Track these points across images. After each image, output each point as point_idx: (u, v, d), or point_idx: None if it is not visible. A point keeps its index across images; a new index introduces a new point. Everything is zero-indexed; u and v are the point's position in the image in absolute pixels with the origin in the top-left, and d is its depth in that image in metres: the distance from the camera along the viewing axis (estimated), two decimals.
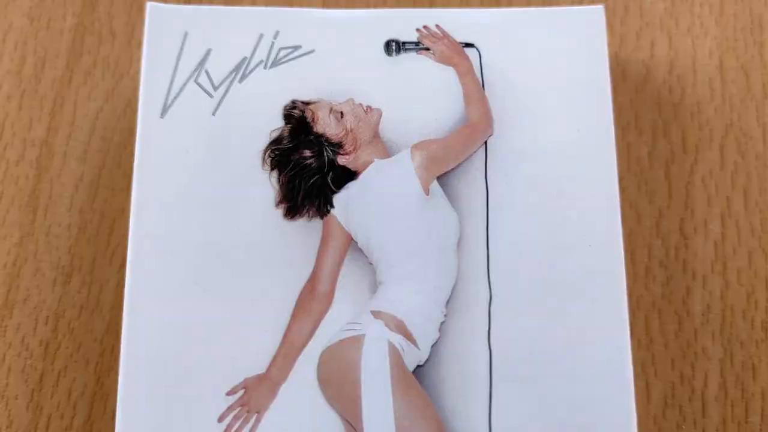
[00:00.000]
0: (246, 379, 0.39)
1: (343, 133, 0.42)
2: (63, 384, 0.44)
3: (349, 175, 0.42)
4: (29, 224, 0.46)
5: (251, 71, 0.43)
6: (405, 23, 0.44)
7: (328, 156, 0.42)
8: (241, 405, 0.39)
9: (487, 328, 0.40)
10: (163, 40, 0.44)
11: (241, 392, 0.39)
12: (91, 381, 0.44)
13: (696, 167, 0.48)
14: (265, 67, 0.44)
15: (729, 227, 0.47)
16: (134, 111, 0.47)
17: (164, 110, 0.43)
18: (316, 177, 0.42)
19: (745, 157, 0.48)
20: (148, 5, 0.45)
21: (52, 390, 0.44)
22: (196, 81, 0.43)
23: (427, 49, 0.44)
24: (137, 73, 0.48)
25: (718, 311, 0.45)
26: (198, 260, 0.41)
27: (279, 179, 0.42)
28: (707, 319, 0.45)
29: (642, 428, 0.43)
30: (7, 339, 0.45)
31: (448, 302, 0.40)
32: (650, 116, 0.48)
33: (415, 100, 0.43)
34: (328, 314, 0.40)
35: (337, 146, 0.42)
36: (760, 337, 0.45)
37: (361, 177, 0.42)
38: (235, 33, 0.44)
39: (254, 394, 0.39)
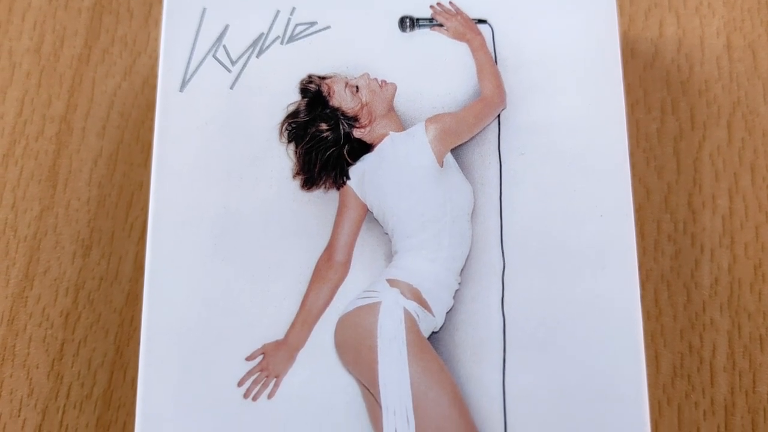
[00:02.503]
0: (265, 345, 0.40)
1: (358, 106, 0.43)
2: (83, 353, 0.45)
3: (364, 148, 0.43)
4: (49, 198, 0.47)
5: (268, 46, 0.44)
6: (419, 0, 0.45)
7: (344, 129, 0.43)
8: (260, 370, 0.40)
9: (500, 296, 0.41)
10: (182, 16, 0.44)
11: (260, 357, 0.40)
12: (110, 350, 0.45)
13: (704, 143, 0.49)
14: (281, 43, 0.44)
15: (736, 202, 0.48)
16: (151, 88, 0.48)
17: (183, 84, 0.43)
18: (332, 149, 0.43)
19: (753, 134, 0.49)
20: None
21: (72, 359, 0.45)
22: (214, 56, 0.44)
23: (441, 25, 0.45)
24: (154, 51, 0.49)
25: (725, 284, 0.46)
26: (217, 230, 0.41)
27: (296, 151, 0.43)
28: (715, 292, 0.46)
29: (652, 397, 0.44)
30: (27, 310, 0.46)
31: (462, 271, 0.41)
32: (659, 94, 0.49)
33: (429, 75, 0.44)
34: (344, 282, 0.41)
35: (353, 119, 0.43)
36: (767, 309, 0.46)
37: (376, 149, 0.43)
38: (253, 9, 0.45)
39: (273, 360, 0.40)
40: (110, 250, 0.46)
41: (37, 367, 0.45)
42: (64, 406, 0.44)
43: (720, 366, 0.45)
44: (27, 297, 0.46)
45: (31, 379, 0.45)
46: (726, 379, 0.45)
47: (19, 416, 0.44)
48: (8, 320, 0.45)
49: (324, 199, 0.42)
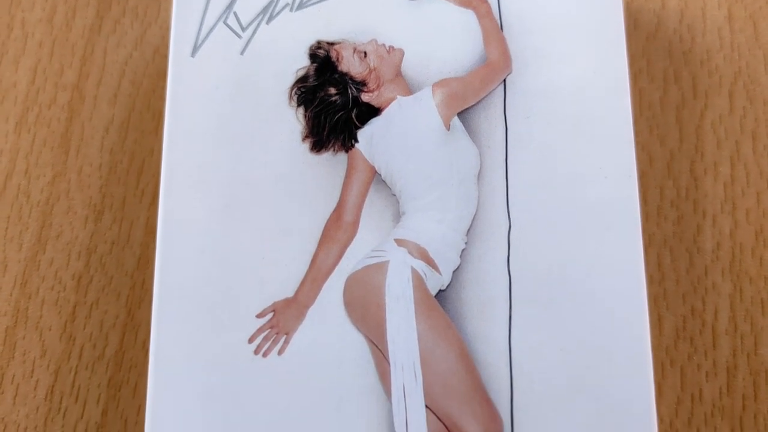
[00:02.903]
0: (275, 303, 0.41)
1: (366, 71, 0.44)
2: (95, 315, 0.46)
3: (372, 111, 0.43)
4: (61, 164, 0.48)
5: (278, 13, 0.45)
6: None
7: (352, 93, 0.43)
8: (271, 327, 0.41)
9: (506, 255, 0.41)
10: None
11: (270, 315, 0.41)
12: (122, 313, 0.46)
13: (706, 112, 0.49)
14: (291, 10, 0.45)
15: (738, 169, 0.48)
16: (162, 57, 0.49)
17: (194, 50, 0.44)
18: (340, 113, 0.43)
19: (754, 103, 0.49)
20: None
21: (84, 321, 0.46)
22: (225, 22, 0.45)
23: None
24: (165, 22, 0.50)
25: (727, 249, 0.47)
26: (228, 191, 0.42)
27: (305, 115, 0.43)
28: (717, 257, 0.47)
29: (655, 359, 0.45)
30: (40, 273, 0.46)
31: (468, 231, 0.42)
32: (661, 64, 0.50)
33: (436, 41, 0.44)
34: (353, 242, 0.42)
35: (361, 84, 0.43)
36: None
37: (384, 113, 0.43)
38: None
39: (283, 317, 0.41)
40: (122, 215, 0.47)
41: (50, 329, 0.45)
42: (77, 367, 0.45)
43: (722, 329, 0.46)
44: (40, 261, 0.46)
45: (43, 340, 0.45)
46: (728, 341, 0.46)
47: (32, 377, 0.45)
48: (21, 283, 0.46)
49: (333, 162, 0.43)
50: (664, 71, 0.49)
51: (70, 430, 0.44)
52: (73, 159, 0.48)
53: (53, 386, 0.45)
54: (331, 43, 0.44)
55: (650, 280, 0.46)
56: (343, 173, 0.43)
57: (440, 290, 0.41)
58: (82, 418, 0.44)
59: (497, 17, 0.45)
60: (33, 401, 0.44)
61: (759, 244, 0.47)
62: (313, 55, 0.44)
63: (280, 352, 0.40)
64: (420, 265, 0.41)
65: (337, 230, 0.42)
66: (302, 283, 0.41)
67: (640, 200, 0.48)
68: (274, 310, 0.41)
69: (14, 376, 0.45)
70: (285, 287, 0.41)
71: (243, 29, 0.45)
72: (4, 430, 0.44)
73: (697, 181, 0.48)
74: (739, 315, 0.46)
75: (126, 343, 0.45)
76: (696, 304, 0.46)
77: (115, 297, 0.46)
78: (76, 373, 0.45)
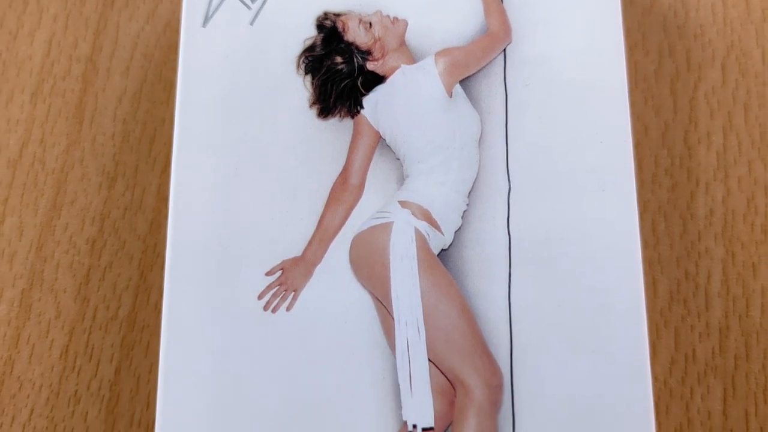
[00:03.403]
0: (284, 261, 0.42)
1: (371, 41, 0.45)
2: (108, 278, 0.47)
3: (377, 79, 0.45)
4: (76, 134, 0.50)
5: None
6: None
7: (357, 62, 0.45)
8: (279, 284, 0.42)
9: (506, 216, 0.43)
10: None
11: (279, 273, 0.42)
12: (135, 275, 0.47)
13: (699, 84, 0.51)
14: None
15: (730, 139, 0.50)
16: (173, 31, 0.50)
17: (206, 20, 0.46)
18: (346, 81, 0.45)
19: (745, 76, 0.51)
20: None
21: (98, 284, 0.47)
22: None
23: None
24: None
25: (720, 215, 0.49)
26: (238, 157, 0.44)
27: (312, 83, 0.45)
28: (710, 222, 0.48)
29: (649, 320, 0.46)
30: (56, 238, 0.48)
31: (470, 193, 0.43)
32: (656, 38, 0.52)
33: (439, 12, 0.46)
34: (358, 204, 0.43)
35: (366, 53, 0.45)
36: (759, 239, 0.48)
37: (388, 81, 0.45)
38: None
39: (291, 275, 0.42)
40: (134, 182, 0.48)
41: (65, 291, 0.47)
42: (90, 327, 0.46)
43: (714, 291, 0.47)
44: (55, 226, 0.48)
45: (58, 302, 0.47)
46: (720, 303, 0.47)
47: (47, 337, 0.46)
48: (37, 247, 0.47)
49: (339, 127, 0.44)
50: (658, 45, 0.51)
51: (84, 388, 0.46)
52: (87, 128, 0.49)
53: (68, 346, 0.46)
54: (338, 14, 0.46)
55: (645, 245, 0.48)
56: (349, 138, 0.44)
57: (442, 249, 0.43)
58: (95, 376, 0.46)
59: None
60: (48, 360, 0.46)
61: (750, 211, 0.49)
62: (320, 26, 0.46)
63: (288, 308, 0.42)
64: (423, 226, 0.43)
65: (343, 192, 0.44)
66: (310, 243, 0.43)
67: (636, 168, 0.50)
68: (282, 269, 0.43)
69: (30, 336, 0.46)
70: (293, 247, 0.43)
71: (252, 1, 0.46)
72: (20, 388, 0.46)
73: (690, 150, 0.49)
74: (731, 278, 0.47)
75: (138, 304, 0.47)
76: (689, 267, 0.47)
77: (127, 260, 0.47)
78: (90, 333, 0.46)
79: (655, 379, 0.46)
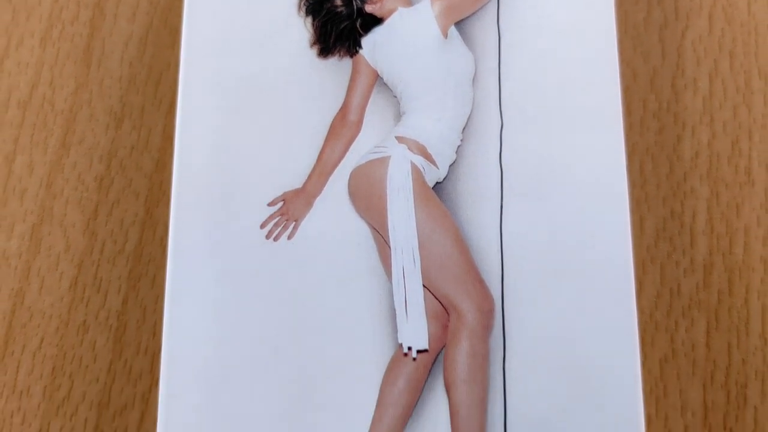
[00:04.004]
0: (285, 193, 0.44)
1: None
2: (116, 214, 0.49)
3: (375, 21, 0.46)
4: (84, 76, 0.51)
5: None
6: None
7: (356, 4, 0.47)
8: (281, 214, 0.44)
9: (498, 151, 0.45)
10: None
11: (280, 204, 0.44)
12: (141, 211, 0.49)
13: (686, 32, 0.53)
14: None
15: (716, 85, 0.52)
16: None
17: None
18: (346, 23, 0.46)
19: (731, 24, 0.53)
20: None
21: (106, 219, 0.49)
22: None
23: None
24: None
25: (705, 157, 0.50)
26: (241, 95, 0.45)
27: (313, 24, 0.47)
28: (696, 164, 0.50)
29: (636, 257, 0.48)
30: (65, 175, 0.50)
31: (464, 129, 0.45)
32: None
33: None
34: (357, 139, 0.45)
35: None
36: (743, 180, 0.50)
37: (386, 23, 0.46)
38: None
39: (292, 205, 0.44)
40: (141, 122, 0.50)
41: (74, 226, 0.49)
42: (99, 260, 0.48)
43: (699, 230, 0.49)
44: (64, 164, 0.50)
45: (67, 237, 0.48)
46: (705, 241, 0.49)
47: (56, 270, 0.48)
48: (47, 184, 0.49)
49: (339, 66, 0.46)
50: None
51: (93, 318, 0.48)
52: (94, 71, 0.51)
53: (77, 278, 0.48)
54: None
55: (633, 185, 0.49)
56: (347, 77, 0.46)
57: (437, 182, 0.45)
58: (103, 306, 0.48)
59: None
60: (57, 291, 0.48)
61: (735, 153, 0.50)
62: None
63: (289, 237, 0.44)
64: (419, 160, 0.44)
65: (342, 128, 0.45)
66: (310, 176, 0.45)
67: (624, 112, 0.52)
68: (284, 200, 0.44)
69: (40, 268, 0.48)
70: (294, 179, 0.45)
71: None
72: (30, 317, 0.47)
73: (677, 95, 0.51)
74: (715, 217, 0.49)
75: (145, 238, 0.48)
76: (675, 206, 0.49)
77: (134, 197, 0.49)
78: (98, 266, 0.48)
79: (641, 312, 0.48)
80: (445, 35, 0.46)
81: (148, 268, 0.48)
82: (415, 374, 0.42)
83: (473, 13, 0.47)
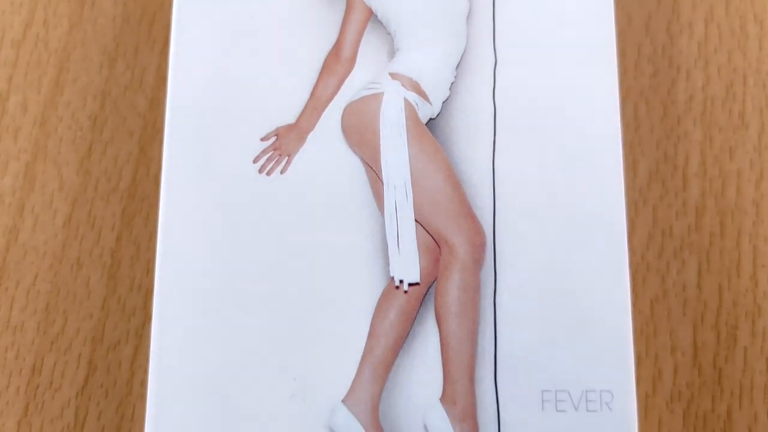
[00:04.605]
0: (278, 128, 0.44)
1: None
2: (110, 152, 0.49)
3: None
4: (77, 16, 0.51)
5: None
6: None
7: None
8: (274, 149, 0.44)
9: (492, 88, 0.45)
10: None
11: (273, 138, 0.44)
12: (135, 150, 0.49)
13: None
14: None
15: (711, 29, 0.52)
16: None
17: None
18: None
19: None
20: None
21: (99, 157, 0.49)
22: None
23: None
24: None
25: (699, 101, 0.50)
26: (235, 32, 0.45)
27: None
28: (689, 108, 0.50)
29: (629, 198, 0.48)
30: (58, 114, 0.50)
31: (457, 66, 0.45)
32: None
33: None
34: (350, 75, 0.45)
35: None
36: (736, 124, 0.50)
37: None
38: None
39: (285, 140, 0.44)
40: (134, 62, 0.50)
41: (67, 164, 0.49)
42: (93, 198, 0.48)
43: (692, 173, 0.49)
44: (57, 102, 0.50)
45: (62, 175, 0.49)
46: (697, 184, 0.49)
47: (50, 207, 0.48)
48: (40, 123, 0.49)
49: (333, 3, 0.46)
50: None
51: (87, 255, 0.48)
52: (88, 11, 0.51)
53: (71, 215, 0.48)
54: None
55: (627, 128, 0.49)
56: (341, 14, 0.46)
57: (430, 119, 0.45)
58: (97, 244, 0.48)
59: None
60: (51, 229, 0.48)
61: (729, 98, 0.50)
62: None
63: (282, 172, 0.44)
64: (412, 96, 0.44)
65: (336, 64, 0.45)
66: (303, 111, 0.45)
67: (619, 56, 0.52)
68: (277, 135, 0.44)
69: (34, 206, 0.48)
70: (287, 114, 0.45)
71: None
72: (24, 254, 0.48)
73: (672, 39, 0.51)
74: (708, 161, 0.49)
75: (138, 177, 0.48)
76: (669, 149, 0.49)
77: (128, 136, 0.49)
78: (92, 204, 0.48)
79: (632, 253, 0.48)
80: None
81: (142, 206, 0.48)
82: (406, 306, 0.42)
83: None
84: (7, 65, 0.50)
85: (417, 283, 0.43)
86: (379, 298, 0.43)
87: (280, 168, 0.45)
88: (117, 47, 0.51)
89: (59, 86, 0.50)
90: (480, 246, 0.43)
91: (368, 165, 0.44)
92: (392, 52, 0.46)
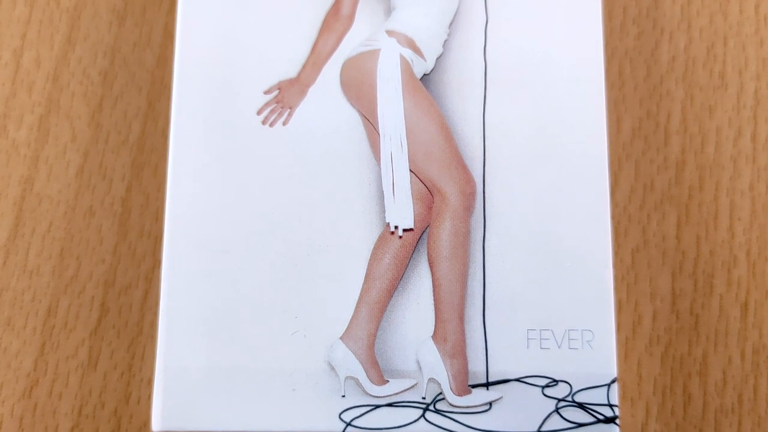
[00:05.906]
0: (280, 82, 0.47)
1: None
2: (119, 106, 0.51)
3: None
4: None
5: None
6: None
7: None
8: (276, 102, 0.46)
9: (483, 45, 0.47)
10: None
11: (276, 92, 0.47)
12: (143, 104, 0.51)
13: None
14: None
15: None
16: None
17: None
18: None
19: None
20: None
21: (110, 111, 0.51)
22: None
23: None
24: None
25: (681, 61, 0.53)
26: None
27: None
28: (672, 68, 0.53)
29: (612, 153, 0.51)
30: (70, 69, 0.52)
31: (451, 24, 0.47)
32: None
33: None
34: (349, 33, 0.47)
35: None
36: (717, 84, 0.53)
37: None
38: None
39: (287, 93, 0.47)
40: (143, 20, 0.52)
41: (79, 118, 0.51)
42: (104, 150, 0.51)
43: (673, 130, 0.52)
44: (69, 59, 0.52)
45: (74, 128, 0.51)
46: (678, 140, 0.51)
47: (64, 158, 0.51)
48: (53, 78, 0.52)
49: None
50: None
51: (99, 204, 0.50)
52: None
53: (83, 166, 0.50)
54: None
55: (611, 86, 0.52)
56: None
57: (425, 74, 0.47)
58: (109, 193, 0.50)
59: None
60: (65, 179, 0.50)
61: (710, 59, 0.53)
62: None
63: (284, 123, 0.46)
64: (407, 53, 0.47)
65: (335, 22, 0.48)
66: (304, 66, 0.47)
67: (605, 16, 0.54)
68: (279, 88, 0.47)
69: (48, 157, 0.51)
70: (289, 69, 0.47)
71: None
72: (39, 203, 0.50)
73: (657, 1, 0.53)
74: (689, 118, 0.52)
75: (148, 130, 0.51)
76: (651, 107, 0.52)
77: (137, 91, 0.51)
78: (103, 155, 0.51)
79: (615, 205, 0.50)
80: None
81: (151, 158, 0.51)
82: (400, 251, 0.45)
83: None
84: (21, 23, 0.53)
85: (411, 229, 0.45)
86: (375, 243, 0.46)
87: (282, 120, 0.47)
88: (126, 6, 0.53)
89: (71, 43, 0.52)
90: (470, 194, 0.46)
91: (366, 117, 0.47)
92: (389, 11, 0.49)
